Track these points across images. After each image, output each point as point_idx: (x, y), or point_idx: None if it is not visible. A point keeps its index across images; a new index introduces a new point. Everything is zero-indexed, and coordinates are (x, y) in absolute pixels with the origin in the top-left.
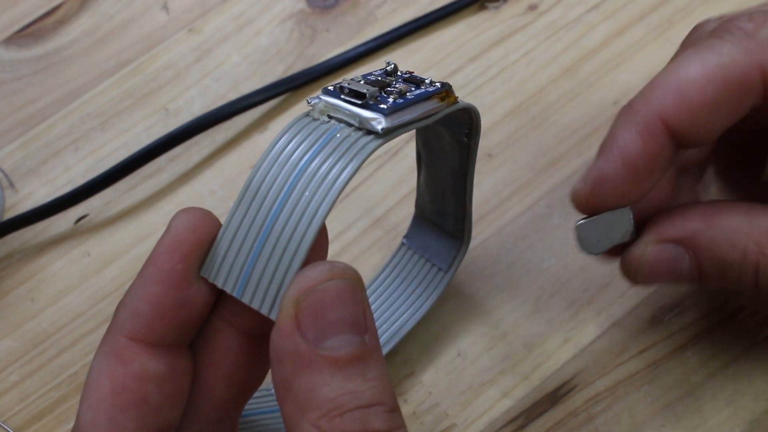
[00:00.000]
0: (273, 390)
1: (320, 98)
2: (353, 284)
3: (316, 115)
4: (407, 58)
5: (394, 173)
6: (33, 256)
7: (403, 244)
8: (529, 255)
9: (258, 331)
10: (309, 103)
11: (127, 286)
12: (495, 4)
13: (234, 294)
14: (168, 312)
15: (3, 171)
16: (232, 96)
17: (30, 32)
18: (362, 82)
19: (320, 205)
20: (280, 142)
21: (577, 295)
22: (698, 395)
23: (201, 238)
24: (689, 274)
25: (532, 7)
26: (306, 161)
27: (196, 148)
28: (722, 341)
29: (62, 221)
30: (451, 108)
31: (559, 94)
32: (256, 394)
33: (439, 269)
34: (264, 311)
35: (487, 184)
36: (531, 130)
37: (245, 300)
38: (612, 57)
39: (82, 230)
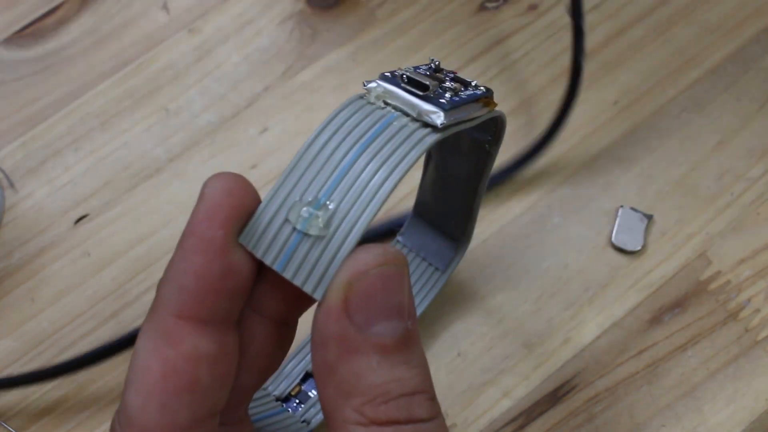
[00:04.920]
0: (271, 389)
1: (378, 83)
2: (402, 270)
3: (372, 99)
4: (407, 57)
5: None
6: (33, 256)
7: (397, 241)
8: (529, 255)
9: (282, 316)
10: (365, 86)
11: (127, 287)
12: (495, 4)
13: (275, 267)
14: (214, 283)
15: (3, 171)
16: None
17: (30, 32)
18: (421, 74)
19: (381, 186)
20: (336, 119)
21: (577, 295)
22: (698, 395)
23: (237, 202)
24: None
25: (532, 7)
26: (365, 143)
27: (196, 147)
28: (722, 341)
29: (62, 221)
30: (491, 114)
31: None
32: (255, 396)
33: (436, 269)
34: (308, 290)
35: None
36: (531, 131)
37: (287, 275)
38: (612, 57)
39: (82, 230)
